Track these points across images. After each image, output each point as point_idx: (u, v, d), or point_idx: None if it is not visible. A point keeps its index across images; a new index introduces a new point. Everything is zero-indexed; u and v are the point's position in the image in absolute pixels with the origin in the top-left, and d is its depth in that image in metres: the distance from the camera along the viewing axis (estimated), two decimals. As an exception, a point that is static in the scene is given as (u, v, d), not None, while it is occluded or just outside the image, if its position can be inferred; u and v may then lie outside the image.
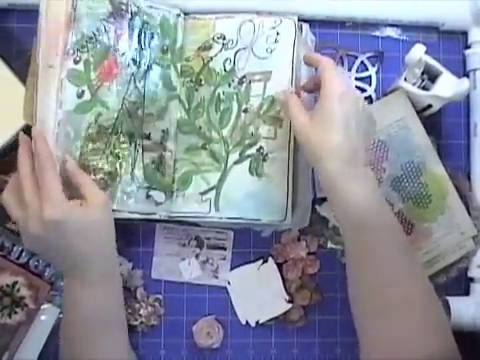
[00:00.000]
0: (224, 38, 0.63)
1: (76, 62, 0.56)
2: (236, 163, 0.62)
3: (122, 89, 0.59)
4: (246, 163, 0.62)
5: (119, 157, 0.59)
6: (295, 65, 0.61)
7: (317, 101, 0.55)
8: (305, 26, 0.64)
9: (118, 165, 0.59)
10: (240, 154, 0.62)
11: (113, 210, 0.58)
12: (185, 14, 0.64)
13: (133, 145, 0.60)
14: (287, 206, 0.61)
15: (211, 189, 0.62)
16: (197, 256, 0.67)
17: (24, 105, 0.60)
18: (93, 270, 0.54)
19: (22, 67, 0.61)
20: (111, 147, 0.59)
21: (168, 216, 0.63)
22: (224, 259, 0.67)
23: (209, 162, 0.63)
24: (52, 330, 0.63)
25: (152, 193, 0.61)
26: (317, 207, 0.65)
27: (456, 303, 0.65)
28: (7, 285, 0.62)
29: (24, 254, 0.63)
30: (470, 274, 0.67)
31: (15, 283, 0.62)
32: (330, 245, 0.66)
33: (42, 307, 0.63)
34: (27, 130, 0.61)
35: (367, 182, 0.53)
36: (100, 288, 0.55)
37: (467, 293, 0.68)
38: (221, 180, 0.62)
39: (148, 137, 0.61)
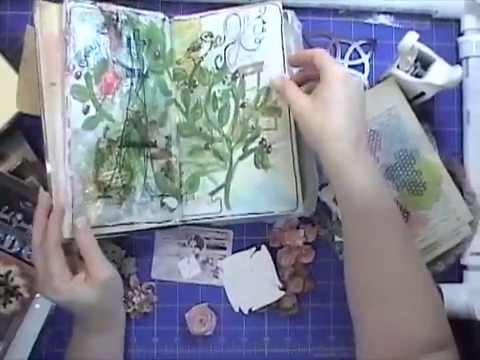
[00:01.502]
0: (212, 36, 0.63)
1: (77, 77, 0.55)
2: (241, 159, 0.62)
3: (124, 100, 0.59)
4: (251, 157, 0.62)
5: (131, 169, 0.59)
6: (286, 50, 0.61)
7: (319, 85, 0.54)
8: (290, 13, 0.63)
9: (131, 177, 0.59)
10: (243, 149, 0.62)
11: (132, 223, 0.58)
12: (169, 17, 0.64)
13: (142, 155, 0.60)
14: (297, 194, 0.60)
15: (220, 188, 0.62)
16: (197, 256, 0.67)
17: (17, 92, 0.60)
18: (95, 324, 0.58)
19: (15, 55, 0.62)
20: (122, 160, 0.58)
21: (182, 221, 0.63)
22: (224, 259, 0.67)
23: (214, 161, 0.63)
24: (46, 319, 0.63)
25: (166, 200, 0.61)
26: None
27: (449, 290, 0.65)
28: (1, 275, 0.62)
29: (17, 243, 0.62)
30: (463, 261, 0.67)
31: (9, 272, 0.62)
32: (337, 239, 0.66)
33: (36, 296, 0.63)
34: (20, 118, 0.62)
35: (370, 166, 0.52)
36: (103, 337, 0.59)
37: (461, 280, 0.68)
38: (228, 178, 0.62)
39: (154, 145, 0.61)
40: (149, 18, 0.62)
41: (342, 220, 0.55)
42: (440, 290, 0.64)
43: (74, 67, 0.55)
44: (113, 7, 0.59)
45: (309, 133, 0.54)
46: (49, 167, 0.55)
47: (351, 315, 0.54)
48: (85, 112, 0.56)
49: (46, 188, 0.61)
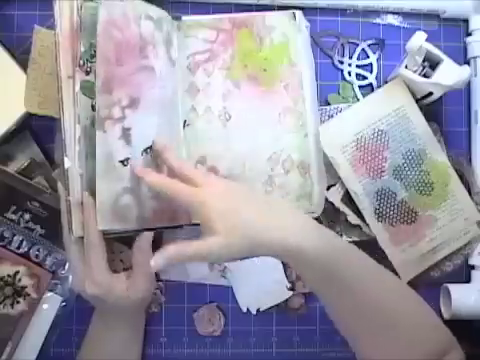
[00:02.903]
0: None
1: (87, 73, 0.55)
2: None
3: None
4: None
5: None
6: None
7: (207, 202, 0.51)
8: (298, 13, 0.64)
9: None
10: None
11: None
12: (178, 18, 0.63)
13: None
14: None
15: None
16: None
17: (25, 92, 0.60)
18: (120, 321, 0.59)
19: (23, 54, 0.62)
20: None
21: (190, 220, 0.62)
22: (232, 259, 0.67)
23: None
24: (54, 319, 0.63)
25: None
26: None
27: (457, 291, 0.65)
28: (8, 275, 0.62)
29: (24, 244, 0.62)
30: (471, 262, 0.67)
31: (16, 273, 0.62)
32: (345, 238, 0.66)
33: (44, 296, 0.63)
34: (28, 118, 0.62)
35: (310, 231, 0.50)
36: (123, 332, 0.60)
37: (468, 281, 0.68)
38: None
39: None
40: None
41: (309, 286, 0.54)
42: (448, 291, 0.65)
43: (84, 63, 0.54)
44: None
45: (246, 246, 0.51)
46: (67, 162, 0.54)
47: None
48: (94, 109, 0.55)
49: (53, 188, 0.61)
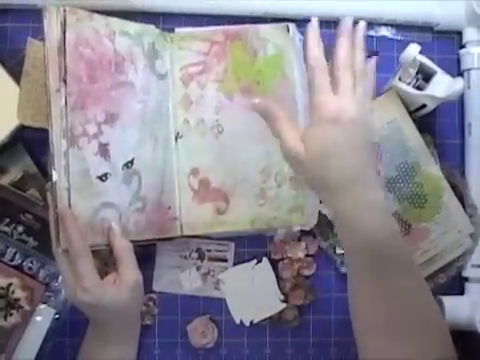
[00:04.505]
0: None
1: None
2: None
3: None
4: None
5: None
6: None
7: (311, 124, 0.51)
8: (291, 26, 0.63)
9: None
10: None
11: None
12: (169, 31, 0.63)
13: None
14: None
15: None
16: (198, 268, 0.67)
17: (18, 105, 0.60)
18: (115, 332, 0.58)
19: (16, 66, 0.62)
20: None
21: (182, 232, 0.62)
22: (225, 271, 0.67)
23: None
24: (48, 331, 0.63)
25: None
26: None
27: (451, 303, 0.65)
28: (2, 287, 0.62)
29: (18, 256, 0.62)
30: (464, 274, 0.67)
31: (9, 285, 0.62)
32: (339, 251, 0.66)
33: (37, 308, 0.63)
34: (21, 130, 0.62)
35: (383, 208, 0.49)
36: (117, 347, 0.59)
37: (462, 293, 0.68)
38: None
39: None
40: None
41: (351, 263, 0.52)
42: (442, 303, 0.65)
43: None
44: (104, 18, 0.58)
45: (311, 183, 0.52)
46: (55, 175, 0.53)
47: (357, 345, 0.51)
48: None
49: (46, 200, 0.61)
